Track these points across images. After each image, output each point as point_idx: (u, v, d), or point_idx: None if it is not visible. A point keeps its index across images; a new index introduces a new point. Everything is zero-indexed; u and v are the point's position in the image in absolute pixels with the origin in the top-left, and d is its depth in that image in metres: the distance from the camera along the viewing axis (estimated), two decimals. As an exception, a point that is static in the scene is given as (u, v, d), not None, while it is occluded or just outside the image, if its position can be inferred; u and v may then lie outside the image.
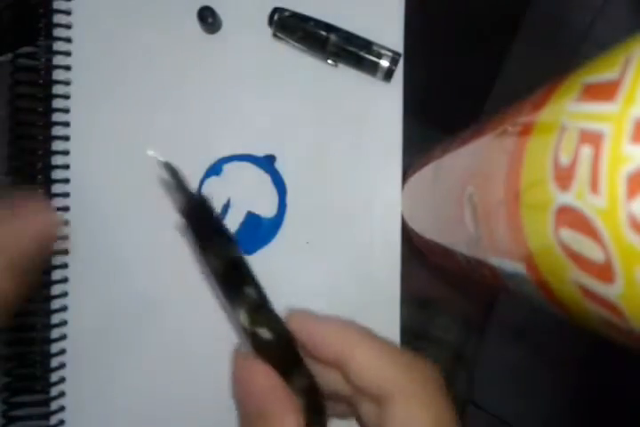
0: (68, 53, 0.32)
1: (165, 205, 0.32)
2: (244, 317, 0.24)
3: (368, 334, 0.25)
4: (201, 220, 0.24)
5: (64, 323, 0.31)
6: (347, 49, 0.32)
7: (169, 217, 0.32)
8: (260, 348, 0.24)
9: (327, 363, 0.25)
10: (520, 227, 0.17)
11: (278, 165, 0.33)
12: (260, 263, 0.32)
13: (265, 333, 0.24)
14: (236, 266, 0.25)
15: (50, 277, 0.31)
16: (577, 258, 0.14)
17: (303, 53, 0.33)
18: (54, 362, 0.31)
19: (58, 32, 0.32)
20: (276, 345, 0.24)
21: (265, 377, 0.24)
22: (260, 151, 0.33)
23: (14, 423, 0.30)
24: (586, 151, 0.14)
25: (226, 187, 0.32)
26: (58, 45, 0.32)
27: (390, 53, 0.31)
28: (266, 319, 0.24)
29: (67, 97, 0.32)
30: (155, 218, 0.32)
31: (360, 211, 0.33)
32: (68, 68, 0.32)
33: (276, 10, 0.32)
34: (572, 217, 0.14)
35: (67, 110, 0.32)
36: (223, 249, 0.24)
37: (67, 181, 0.31)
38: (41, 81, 0.31)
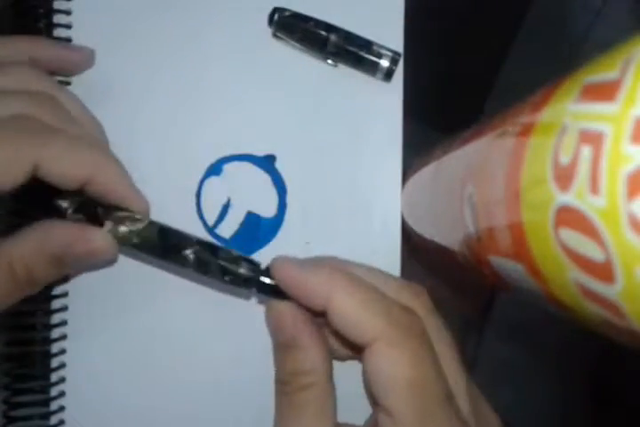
0: (68, 53, 0.32)
1: (164, 199, 0.32)
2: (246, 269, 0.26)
3: (352, 280, 0.25)
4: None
5: (64, 323, 0.31)
6: (347, 49, 0.32)
7: (168, 213, 0.32)
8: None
9: (318, 313, 0.25)
10: (520, 227, 0.17)
11: (278, 164, 0.33)
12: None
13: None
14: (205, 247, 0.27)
15: (50, 277, 0.31)
16: (577, 258, 0.14)
17: (303, 53, 0.33)
18: (54, 362, 0.31)
19: (58, 32, 0.32)
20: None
21: (293, 311, 0.25)
22: (260, 151, 0.33)
23: (14, 423, 0.30)
24: (586, 151, 0.14)
25: (226, 187, 0.32)
26: (58, 45, 0.32)
27: (390, 53, 0.32)
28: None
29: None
30: (156, 217, 0.32)
31: (360, 211, 0.33)
32: (68, 68, 0.32)
33: (275, 10, 0.32)
34: (572, 217, 0.14)
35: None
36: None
37: (67, 180, 0.31)
38: (41, 81, 0.31)
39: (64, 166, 0.25)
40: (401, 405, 0.22)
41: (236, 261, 0.27)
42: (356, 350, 0.25)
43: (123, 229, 0.26)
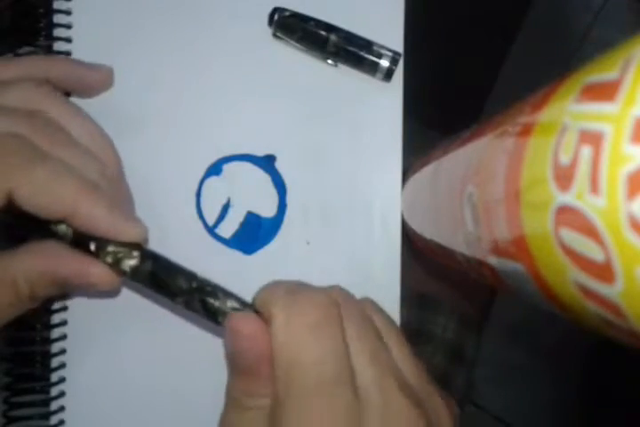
0: (68, 53, 0.32)
1: (164, 199, 0.32)
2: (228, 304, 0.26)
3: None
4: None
5: (64, 323, 0.31)
6: (347, 49, 0.32)
7: (168, 213, 0.32)
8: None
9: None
10: (520, 227, 0.17)
11: (278, 164, 0.33)
12: (260, 263, 0.32)
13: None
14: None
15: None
16: (577, 258, 0.14)
17: (303, 53, 0.33)
18: (54, 362, 0.31)
19: (58, 32, 0.32)
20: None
21: (259, 335, 0.24)
22: (260, 151, 0.33)
23: (14, 423, 0.30)
24: (586, 151, 0.14)
25: (226, 187, 0.32)
26: (58, 45, 0.32)
27: (390, 53, 0.32)
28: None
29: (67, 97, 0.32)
30: (156, 216, 0.32)
31: (360, 211, 0.33)
32: (68, 68, 0.32)
33: (275, 10, 0.32)
34: (572, 217, 0.14)
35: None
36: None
37: (67, 180, 0.31)
38: (41, 81, 0.31)
39: (40, 200, 0.24)
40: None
41: (226, 304, 0.26)
42: None
43: (122, 262, 0.26)
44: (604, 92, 0.14)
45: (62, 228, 0.25)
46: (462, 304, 0.38)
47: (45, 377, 0.31)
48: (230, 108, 0.33)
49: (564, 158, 0.15)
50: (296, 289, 0.25)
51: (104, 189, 0.26)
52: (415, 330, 0.38)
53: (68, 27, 0.32)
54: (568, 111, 0.15)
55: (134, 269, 0.26)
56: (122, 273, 0.26)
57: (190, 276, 0.26)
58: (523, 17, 0.38)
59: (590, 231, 0.14)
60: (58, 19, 0.32)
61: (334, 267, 0.32)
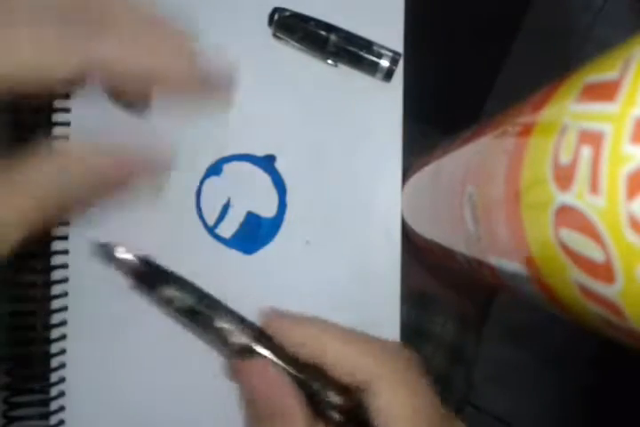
0: (68, 53, 0.32)
1: (164, 199, 0.32)
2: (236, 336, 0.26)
3: (341, 329, 0.25)
4: (150, 276, 0.27)
5: (64, 323, 0.31)
6: (347, 49, 0.32)
7: (167, 214, 0.32)
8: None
9: (309, 364, 0.25)
10: (520, 227, 0.17)
11: (278, 164, 0.33)
12: (260, 263, 0.32)
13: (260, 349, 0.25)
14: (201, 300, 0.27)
15: (50, 277, 0.31)
16: (577, 258, 0.14)
17: (303, 53, 0.33)
18: (54, 362, 0.31)
19: (58, 32, 0.32)
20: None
21: (274, 377, 0.24)
22: (259, 151, 0.33)
23: (14, 423, 0.30)
24: (586, 151, 0.14)
25: (226, 187, 0.32)
26: (58, 45, 0.32)
27: (390, 53, 0.31)
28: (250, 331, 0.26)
29: (67, 97, 0.32)
30: (155, 216, 0.32)
31: (360, 211, 0.33)
32: (68, 67, 0.32)
33: (275, 10, 0.32)
34: (572, 217, 0.14)
35: (67, 110, 0.32)
36: (179, 291, 0.27)
37: (67, 180, 0.31)
38: (41, 81, 0.31)
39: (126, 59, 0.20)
40: None
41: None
42: (347, 390, 0.25)
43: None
44: (605, 92, 0.14)
45: None
46: (462, 304, 0.38)
47: (45, 377, 0.31)
48: (230, 108, 0.33)
49: (564, 158, 0.15)
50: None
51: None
52: (415, 329, 0.38)
53: (68, 27, 0.32)
54: (568, 111, 0.15)
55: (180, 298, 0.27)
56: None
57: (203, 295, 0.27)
58: (523, 17, 0.38)
59: (590, 231, 0.14)
60: (58, 19, 0.32)
61: (334, 267, 0.32)
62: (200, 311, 0.26)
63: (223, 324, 0.26)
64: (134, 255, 0.27)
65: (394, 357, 0.25)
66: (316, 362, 0.25)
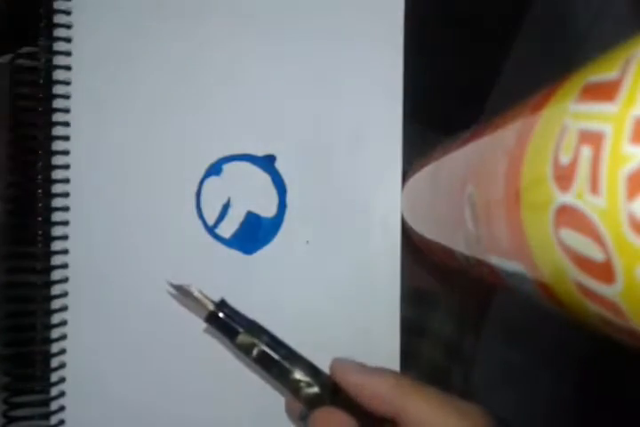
0: (68, 53, 0.32)
1: (164, 199, 0.32)
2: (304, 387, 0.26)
3: (420, 386, 0.25)
4: (226, 322, 0.27)
5: (64, 323, 0.31)
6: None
7: (167, 214, 0.32)
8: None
9: (380, 416, 0.25)
10: (520, 227, 0.17)
11: (278, 164, 0.33)
12: (260, 263, 0.32)
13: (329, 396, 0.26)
14: (273, 348, 0.27)
15: (50, 278, 0.31)
16: (577, 258, 0.14)
17: (303, 53, 0.33)
18: (54, 362, 0.31)
19: (58, 32, 0.32)
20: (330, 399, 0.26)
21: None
22: (260, 151, 0.33)
23: (14, 423, 0.30)
24: (586, 151, 0.14)
25: (226, 187, 0.32)
26: (58, 45, 0.32)
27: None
28: (318, 381, 0.26)
29: (67, 97, 0.32)
30: (156, 216, 0.32)
31: (360, 211, 0.33)
32: (68, 68, 0.32)
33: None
34: (572, 217, 0.14)
35: (67, 110, 0.32)
36: (255, 339, 0.27)
37: (67, 181, 0.31)
38: (41, 81, 0.31)
39: None
40: None
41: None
42: None
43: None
44: (604, 92, 0.14)
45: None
46: (461, 303, 0.38)
47: (45, 377, 0.31)
48: (230, 107, 0.33)
49: (564, 158, 0.15)
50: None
51: None
52: (414, 329, 0.38)
53: (68, 27, 0.32)
54: (568, 111, 0.15)
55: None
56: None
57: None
58: (523, 17, 0.38)
59: (590, 231, 0.14)
60: (58, 19, 0.32)
61: (334, 267, 0.32)
62: (275, 360, 0.26)
63: (297, 374, 0.26)
64: (210, 298, 0.27)
65: (473, 420, 0.24)
66: (394, 417, 0.24)
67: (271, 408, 0.31)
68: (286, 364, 0.26)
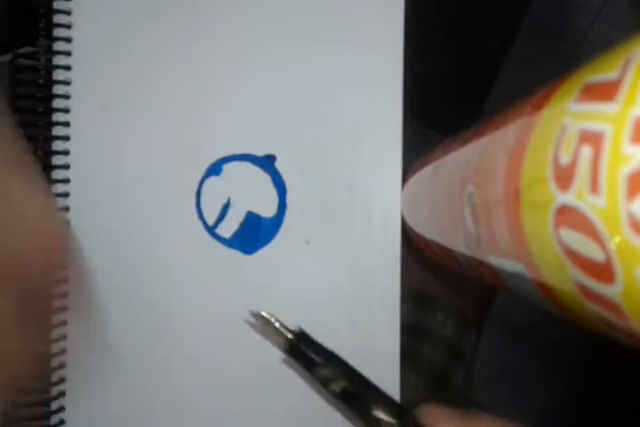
0: (68, 53, 0.32)
1: (164, 199, 0.32)
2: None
3: None
4: (305, 353, 0.27)
5: (64, 323, 0.31)
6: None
7: (168, 213, 0.32)
8: None
9: None
10: (520, 226, 0.17)
11: (278, 164, 0.33)
12: (260, 263, 0.32)
13: None
14: (354, 384, 0.26)
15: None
16: (577, 258, 0.14)
17: (304, 54, 0.33)
18: (54, 362, 0.31)
19: (58, 32, 0.32)
20: None
21: None
22: (259, 151, 0.33)
23: (14, 423, 0.30)
24: (586, 151, 0.14)
25: (226, 187, 0.32)
26: (58, 45, 0.32)
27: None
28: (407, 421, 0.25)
29: (67, 97, 0.32)
30: (156, 216, 0.32)
31: (360, 211, 0.33)
32: (68, 68, 0.32)
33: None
34: (572, 217, 0.14)
35: (67, 110, 0.32)
36: (336, 373, 0.26)
37: (67, 181, 0.31)
38: (41, 81, 0.31)
39: None
40: None
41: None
42: None
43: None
44: (604, 92, 0.14)
45: None
46: (462, 304, 0.38)
47: (45, 377, 0.31)
48: (230, 107, 0.33)
49: (564, 158, 0.15)
50: None
51: None
52: (414, 329, 0.38)
53: (68, 27, 0.32)
54: (568, 111, 0.15)
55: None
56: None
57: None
58: (523, 17, 0.38)
59: (590, 231, 0.14)
60: (58, 19, 0.32)
61: (334, 267, 0.32)
62: (356, 395, 0.25)
63: (379, 413, 0.25)
64: (290, 329, 0.27)
65: None
66: None
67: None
68: (368, 401, 0.25)
